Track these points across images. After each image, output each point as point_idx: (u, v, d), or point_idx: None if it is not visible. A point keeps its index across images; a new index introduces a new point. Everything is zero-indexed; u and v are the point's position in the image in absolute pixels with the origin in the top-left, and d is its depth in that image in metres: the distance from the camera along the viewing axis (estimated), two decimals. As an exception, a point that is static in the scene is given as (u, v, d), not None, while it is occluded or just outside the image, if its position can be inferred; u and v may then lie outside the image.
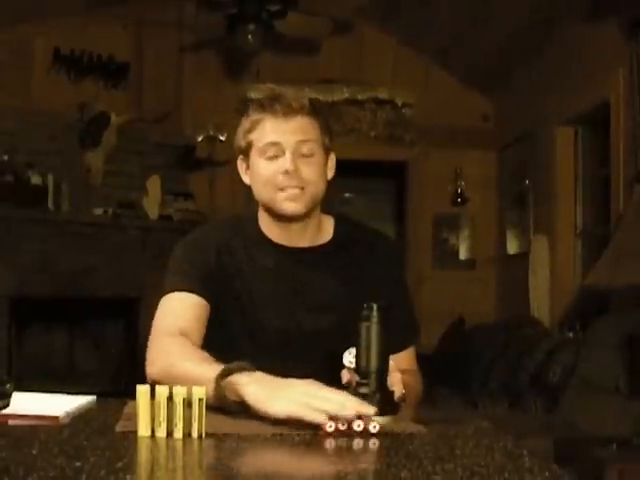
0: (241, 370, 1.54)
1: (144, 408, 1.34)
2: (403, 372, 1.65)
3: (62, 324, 6.03)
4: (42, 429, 1.38)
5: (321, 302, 1.96)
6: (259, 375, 1.53)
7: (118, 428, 1.39)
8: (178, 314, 1.87)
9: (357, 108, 6.79)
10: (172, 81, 6.58)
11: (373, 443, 1.37)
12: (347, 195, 8.87)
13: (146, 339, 1.86)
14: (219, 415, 1.50)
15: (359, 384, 1.54)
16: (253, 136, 1.92)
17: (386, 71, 6.86)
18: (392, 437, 1.40)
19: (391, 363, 1.58)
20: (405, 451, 1.31)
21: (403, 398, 1.61)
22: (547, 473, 1.15)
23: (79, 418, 1.51)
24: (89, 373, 6.00)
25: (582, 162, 5.55)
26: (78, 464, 1.12)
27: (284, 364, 1.56)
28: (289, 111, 1.88)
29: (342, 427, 1.39)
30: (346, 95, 6.69)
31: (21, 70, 5.82)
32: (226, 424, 1.46)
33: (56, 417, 1.45)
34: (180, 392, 1.34)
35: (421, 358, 2.10)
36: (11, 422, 1.45)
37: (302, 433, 1.39)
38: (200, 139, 6.45)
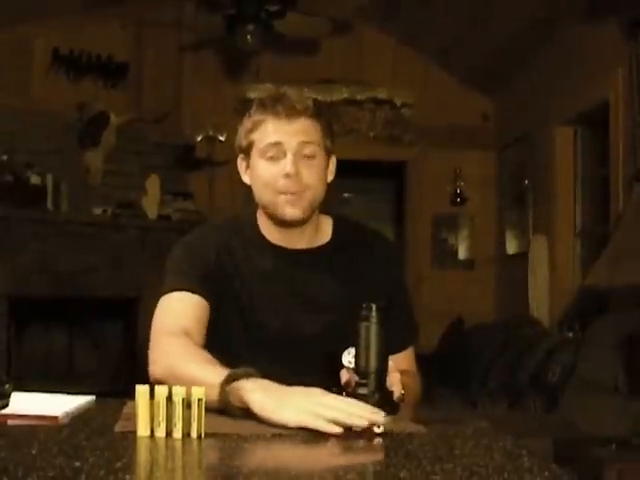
0: (246, 376, 1.53)
1: (143, 408, 1.34)
2: (402, 372, 1.65)
3: (61, 324, 6.03)
4: (41, 429, 1.38)
5: (320, 303, 1.96)
6: (264, 382, 1.51)
7: (117, 428, 1.39)
8: (179, 314, 1.86)
9: (356, 108, 6.79)
10: (171, 81, 6.58)
11: (374, 443, 1.37)
12: (346, 195, 8.87)
13: (145, 339, 1.86)
14: (218, 415, 1.50)
15: (358, 384, 1.54)
16: (255, 136, 1.91)
17: (385, 71, 6.86)
18: (391, 437, 1.40)
19: (390, 363, 1.58)
20: (404, 451, 1.31)
21: (402, 398, 1.61)
22: (546, 473, 1.15)
23: (78, 418, 1.51)
24: (88, 373, 6.00)
25: (581, 162, 5.55)
26: (77, 464, 1.12)
27: (283, 365, 1.56)
28: (292, 112, 1.87)
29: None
30: (345, 95, 6.69)
31: (20, 70, 5.82)
32: (225, 424, 1.46)
33: (55, 417, 1.45)
34: (179, 392, 1.34)
35: (420, 358, 2.10)
36: (10, 422, 1.45)
37: (301, 433, 1.39)
38: (199, 139, 6.45)
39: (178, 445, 1.32)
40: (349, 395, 1.52)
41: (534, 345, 4.62)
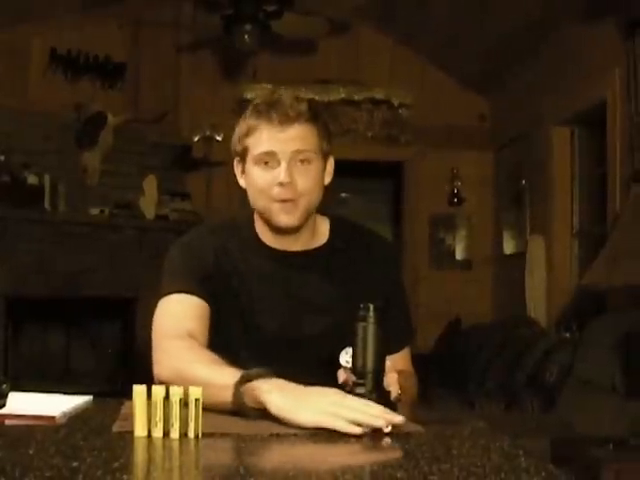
0: (261, 376, 1.53)
1: (140, 408, 1.34)
2: (399, 372, 1.66)
3: (59, 324, 6.03)
4: (39, 429, 1.38)
5: (317, 305, 1.96)
6: (280, 382, 1.51)
7: (115, 428, 1.39)
8: (181, 316, 1.85)
9: (354, 108, 6.79)
10: (169, 81, 6.58)
11: (382, 442, 1.37)
12: (343, 195, 8.87)
13: (143, 339, 1.85)
14: (216, 415, 1.50)
15: (355, 384, 1.54)
16: (249, 141, 1.89)
17: (383, 71, 6.87)
18: (388, 437, 1.40)
19: (387, 363, 1.59)
20: (402, 451, 1.31)
21: (399, 398, 1.61)
22: (543, 473, 1.15)
23: (76, 418, 1.51)
24: (86, 373, 6.00)
25: (579, 162, 5.56)
26: (75, 464, 1.12)
27: (281, 366, 1.56)
28: (285, 119, 1.85)
29: None
30: (342, 95, 6.69)
31: (17, 70, 5.81)
32: (223, 424, 1.46)
33: (53, 417, 1.45)
34: (177, 392, 1.34)
35: (418, 358, 2.10)
36: (8, 422, 1.45)
37: (299, 433, 1.39)
38: (197, 139, 6.45)
39: (175, 445, 1.32)
40: (346, 395, 1.53)
41: (531, 345, 4.62)
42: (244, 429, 1.42)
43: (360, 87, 6.73)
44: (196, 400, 1.34)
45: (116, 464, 1.15)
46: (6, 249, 5.41)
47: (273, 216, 1.90)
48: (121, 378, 5.88)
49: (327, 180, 1.98)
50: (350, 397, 1.47)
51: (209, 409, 1.47)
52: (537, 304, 5.61)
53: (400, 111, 6.83)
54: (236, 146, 1.94)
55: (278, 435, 1.39)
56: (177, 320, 1.84)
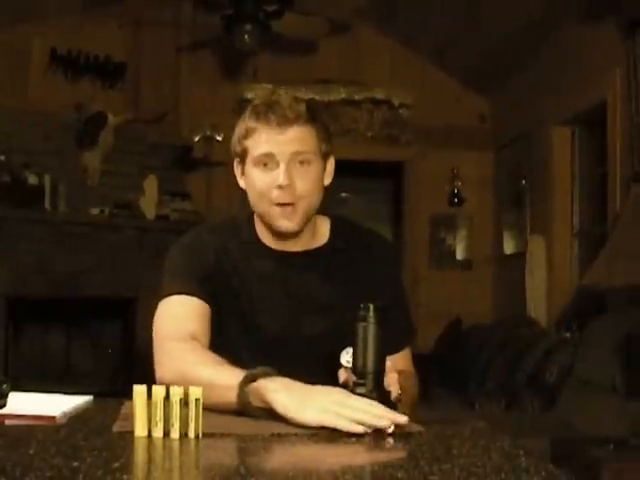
0: (264, 375, 1.53)
1: (141, 408, 1.34)
2: (399, 373, 1.65)
3: (59, 324, 6.03)
4: (39, 429, 1.38)
5: (318, 305, 1.96)
6: (285, 381, 1.51)
7: (115, 428, 1.39)
8: (182, 317, 1.85)
9: (354, 108, 6.79)
10: (169, 81, 6.58)
11: (385, 443, 1.37)
12: (344, 195, 8.87)
13: (143, 339, 1.85)
14: (216, 415, 1.50)
15: (356, 384, 1.54)
16: (248, 143, 1.89)
17: (383, 71, 6.87)
18: (389, 437, 1.40)
19: (388, 363, 1.58)
20: (402, 451, 1.31)
21: (399, 398, 1.61)
22: (544, 473, 1.15)
23: (76, 418, 1.51)
24: (86, 373, 6.00)
25: (579, 162, 5.56)
26: (75, 464, 1.12)
27: (281, 367, 1.56)
28: (284, 121, 1.84)
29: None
30: (343, 95, 6.69)
31: (18, 70, 5.82)
32: (223, 424, 1.46)
33: (53, 417, 1.45)
34: (177, 392, 1.34)
35: (418, 358, 2.10)
36: (8, 422, 1.45)
37: (299, 433, 1.39)
38: (197, 139, 6.45)
39: (175, 445, 1.32)
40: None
41: (532, 345, 4.62)
42: (245, 429, 1.42)
43: (360, 87, 6.73)
44: (196, 400, 1.34)
45: (116, 464, 1.15)
46: (6, 249, 5.41)
47: (273, 221, 1.90)
48: (121, 378, 5.88)
49: (327, 181, 1.98)
50: (354, 397, 1.47)
51: (213, 410, 1.48)
52: (537, 304, 5.61)
53: (400, 111, 6.83)
54: (235, 147, 1.94)
55: (279, 435, 1.39)
56: (178, 322, 1.84)
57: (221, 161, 5.89)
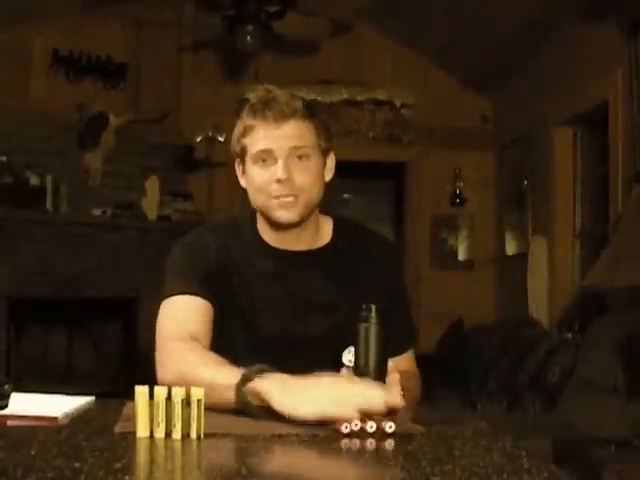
0: (260, 373, 1.53)
1: (143, 409, 1.34)
2: (402, 373, 1.65)
3: (61, 325, 6.03)
4: (41, 430, 1.38)
5: (319, 305, 1.96)
6: (279, 377, 1.51)
7: (117, 429, 1.39)
8: (184, 318, 1.85)
9: (356, 109, 6.79)
10: (170, 82, 6.58)
11: (384, 443, 1.37)
12: (346, 196, 8.87)
13: (145, 340, 1.86)
14: (218, 415, 1.50)
15: (358, 384, 1.54)
16: (247, 141, 1.90)
17: (385, 72, 6.87)
18: (390, 438, 1.40)
19: (390, 364, 1.58)
20: (404, 452, 1.31)
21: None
22: (545, 474, 1.14)
23: (78, 419, 1.51)
24: (88, 374, 6.00)
25: (581, 162, 5.55)
26: (77, 465, 1.12)
27: (282, 367, 1.56)
28: (281, 116, 1.85)
29: (355, 428, 1.39)
30: (345, 96, 6.69)
31: (19, 71, 5.82)
32: (225, 425, 1.45)
33: (55, 418, 1.45)
34: (179, 393, 1.34)
35: (420, 359, 2.10)
36: (10, 423, 1.45)
37: (300, 434, 1.39)
38: (199, 140, 6.46)
39: (177, 446, 1.31)
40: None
41: (534, 346, 4.62)
42: (246, 429, 1.42)
43: (362, 88, 6.73)
44: (198, 400, 1.34)
45: (118, 465, 1.15)
46: (8, 250, 5.42)
47: (272, 212, 1.90)
48: (123, 379, 5.88)
49: (328, 177, 1.98)
50: (346, 380, 1.48)
51: (215, 410, 1.48)
52: (539, 305, 5.61)
53: (402, 112, 6.83)
54: (235, 147, 1.95)
55: (280, 436, 1.38)
56: (180, 322, 1.84)
57: (223, 162, 5.89)
